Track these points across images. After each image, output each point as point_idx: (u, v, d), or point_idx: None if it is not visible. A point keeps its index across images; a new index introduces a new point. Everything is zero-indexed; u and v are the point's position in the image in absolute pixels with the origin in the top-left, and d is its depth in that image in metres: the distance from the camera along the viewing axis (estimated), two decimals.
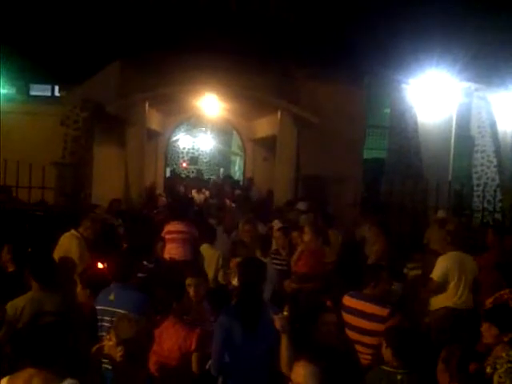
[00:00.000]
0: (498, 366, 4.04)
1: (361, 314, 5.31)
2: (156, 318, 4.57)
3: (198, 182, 20.14)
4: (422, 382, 4.13)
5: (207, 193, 16.88)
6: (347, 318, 5.43)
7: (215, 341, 4.42)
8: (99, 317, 4.97)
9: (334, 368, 3.29)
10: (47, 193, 12.14)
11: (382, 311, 5.22)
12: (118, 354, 3.73)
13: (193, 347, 4.37)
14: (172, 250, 7.57)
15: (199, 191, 17.08)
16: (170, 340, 4.39)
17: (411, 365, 4.19)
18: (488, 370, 4.05)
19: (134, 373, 3.81)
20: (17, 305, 4.82)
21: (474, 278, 7.26)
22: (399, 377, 4.12)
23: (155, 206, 11.72)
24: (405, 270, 8.47)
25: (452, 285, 7.23)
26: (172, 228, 7.98)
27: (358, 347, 5.26)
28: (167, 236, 7.70)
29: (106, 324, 4.83)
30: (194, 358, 4.37)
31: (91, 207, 10.13)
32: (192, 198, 15.19)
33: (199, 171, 24.58)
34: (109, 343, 3.79)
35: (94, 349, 3.73)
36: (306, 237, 7.54)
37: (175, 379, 4.36)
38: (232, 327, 4.36)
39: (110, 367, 3.98)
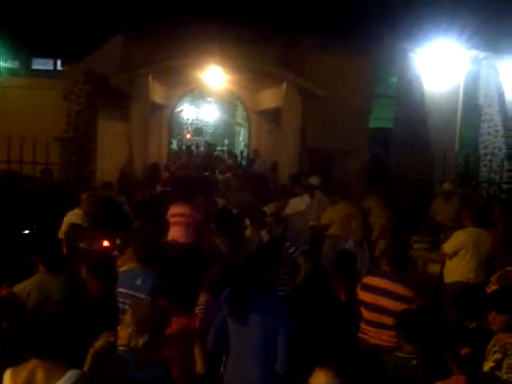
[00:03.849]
0: (509, 352, 3.97)
1: (384, 292, 5.19)
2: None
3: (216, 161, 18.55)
4: (438, 367, 4.03)
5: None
6: (366, 296, 5.31)
7: (215, 318, 4.40)
8: (121, 299, 4.91)
9: (356, 378, 3.22)
10: (51, 168, 12.09)
11: (408, 292, 5.13)
12: (140, 341, 3.67)
13: (195, 336, 4.34)
14: (175, 233, 7.53)
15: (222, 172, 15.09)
16: (171, 328, 4.32)
17: (425, 349, 4.13)
18: (497, 355, 3.99)
19: (154, 356, 3.78)
20: (23, 287, 4.78)
21: (488, 252, 7.33)
22: (414, 362, 4.04)
23: (156, 182, 11.63)
24: (410, 242, 8.51)
25: (466, 261, 7.37)
26: (175, 211, 7.90)
27: (375, 330, 5.18)
28: (171, 219, 7.66)
29: (127, 308, 4.64)
30: (196, 346, 4.33)
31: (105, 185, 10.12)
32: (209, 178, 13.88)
33: (210, 145, 23.98)
34: (128, 331, 3.73)
35: (98, 345, 3.65)
36: None
37: (177, 365, 4.32)
38: (225, 312, 4.30)
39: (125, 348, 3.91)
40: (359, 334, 5.34)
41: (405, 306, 4.91)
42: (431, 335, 4.21)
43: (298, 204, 9.51)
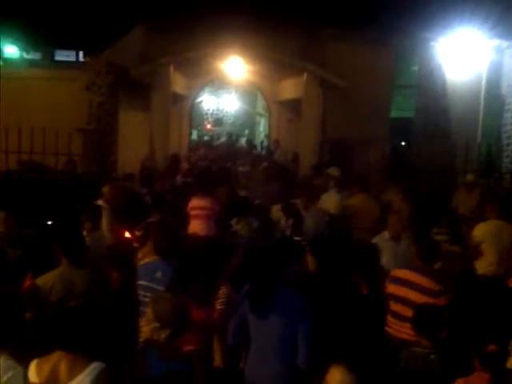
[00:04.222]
0: None
1: (410, 284, 5.25)
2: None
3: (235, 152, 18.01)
4: (457, 361, 4.06)
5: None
6: (394, 288, 5.38)
7: (236, 312, 4.44)
8: (141, 292, 4.93)
9: (371, 374, 3.27)
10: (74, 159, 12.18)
11: (434, 285, 5.17)
12: (162, 335, 3.69)
13: (213, 330, 4.35)
14: (195, 226, 7.58)
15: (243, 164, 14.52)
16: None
17: (442, 344, 4.14)
18: None
19: (177, 350, 3.82)
20: (46, 280, 4.82)
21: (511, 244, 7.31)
22: (432, 356, 4.08)
23: (176, 173, 11.67)
24: (431, 234, 8.46)
25: (487, 253, 7.33)
26: (195, 204, 7.95)
27: (400, 323, 5.20)
28: (191, 212, 7.69)
29: (147, 300, 4.71)
30: (215, 340, 4.34)
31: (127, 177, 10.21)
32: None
33: (231, 135, 23.81)
34: (150, 326, 3.74)
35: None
36: None
37: (195, 361, 4.26)
38: (245, 306, 4.32)
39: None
40: (386, 328, 5.37)
41: (430, 300, 4.97)
42: (447, 330, 4.22)
43: (328, 201, 9.39)
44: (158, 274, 4.94)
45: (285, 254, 4.46)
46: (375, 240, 6.86)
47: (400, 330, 5.19)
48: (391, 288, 5.41)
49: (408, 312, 5.04)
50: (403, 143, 17.44)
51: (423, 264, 5.37)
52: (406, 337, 5.00)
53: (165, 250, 5.15)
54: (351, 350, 4.32)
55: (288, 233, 6.92)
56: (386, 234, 7.07)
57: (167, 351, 3.71)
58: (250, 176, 11.46)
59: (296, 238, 6.38)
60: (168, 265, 4.98)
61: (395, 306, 5.31)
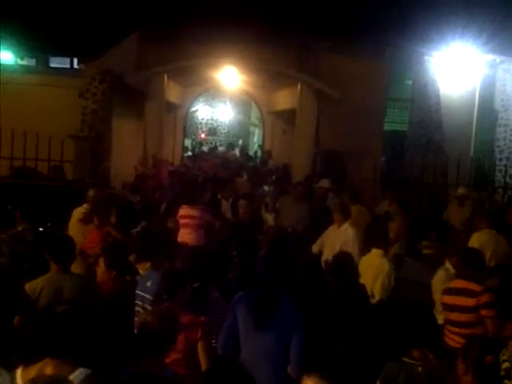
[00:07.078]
0: None
1: (459, 291, 5.45)
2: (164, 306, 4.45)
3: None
4: (444, 374, 3.96)
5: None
6: (446, 299, 5.59)
7: (226, 321, 4.41)
8: (136, 301, 5.02)
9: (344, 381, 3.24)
10: (66, 166, 12.15)
11: (477, 287, 5.36)
12: None
13: (198, 336, 4.32)
14: (185, 235, 7.57)
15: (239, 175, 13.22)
16: None
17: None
18: (506, 364, 3.95)
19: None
20: (35, 286, 4.80)
21: (504, 256, 7.36)
22: (420, 369, 3.96)
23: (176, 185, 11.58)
24: (420, 247, 8.53)
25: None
26: (184, 213, 7.94)
27: (448, 327, 5.40)
28: (181, 220, 7.65)
29: (138, 309, 4.93)
30: (199, 347, 4.33)
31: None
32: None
33: (230, 146, 23.59)
34: None
35: None
36: None
37: (182, 369, 4.29)
38: (244, 316, 4.27)
39: None
40: (444, 338, 5.44)
41: (472, 301, 5.27)
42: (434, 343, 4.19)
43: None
44: (148, 283, 5.05)
45: (289, 266, 4.46)
46: (440, 275, 6.56)
47: (453, 337, 5.36)
48: (445, 299, 5.62)
49: (458, 317, 5.37)
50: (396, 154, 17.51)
51: (468, 271, 5.56)
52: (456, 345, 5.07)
53: (154, 259, 5.24)
54: (324, 358, 4.29)
55: None
56: (450, 268, 6.43)
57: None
58: (276, 196, 10.20)
59: None
60: (158, 275, 5.03)
61: (449, 315, 5.53)
